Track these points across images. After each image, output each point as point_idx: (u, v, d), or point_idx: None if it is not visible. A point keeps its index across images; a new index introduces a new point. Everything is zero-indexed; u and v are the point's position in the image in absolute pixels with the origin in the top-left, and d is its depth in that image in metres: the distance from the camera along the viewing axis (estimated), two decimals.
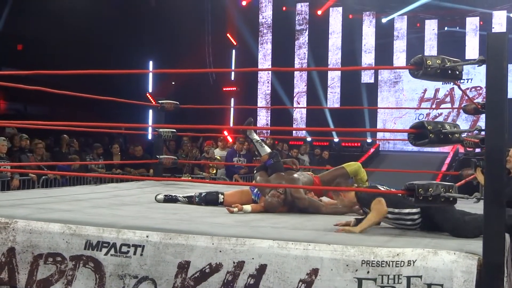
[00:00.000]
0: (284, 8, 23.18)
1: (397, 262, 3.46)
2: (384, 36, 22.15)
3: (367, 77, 22.48)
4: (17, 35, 16.73)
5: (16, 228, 4.21)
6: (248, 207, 5.42)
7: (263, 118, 22.84)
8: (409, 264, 3.43)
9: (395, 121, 21.98)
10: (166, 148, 11.87)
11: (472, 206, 4.62)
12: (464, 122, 19.67)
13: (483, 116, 3.82)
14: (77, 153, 11.43)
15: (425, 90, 21.76)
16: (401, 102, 22.02)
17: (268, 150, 6.28)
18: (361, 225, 4.33)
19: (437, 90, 21.64)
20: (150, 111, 18.55)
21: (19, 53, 17.21)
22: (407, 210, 4.38)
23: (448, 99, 21.59)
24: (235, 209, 5.32)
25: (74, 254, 4.03)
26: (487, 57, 3.56)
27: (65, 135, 11.47)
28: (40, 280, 4.05)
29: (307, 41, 22.85)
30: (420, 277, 3.39)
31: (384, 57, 21.83)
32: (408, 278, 3.41)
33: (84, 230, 4.09)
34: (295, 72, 23.12)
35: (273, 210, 5.47)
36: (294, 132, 22.24)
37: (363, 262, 3.50)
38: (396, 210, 4.39)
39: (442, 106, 21.43)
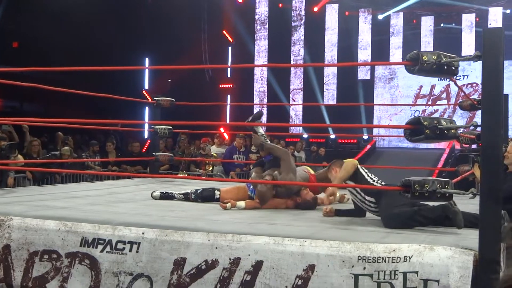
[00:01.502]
0: (280, 5, 23.15)
1: (393, 258, 3.45)
2: (380, 33, 22.15)
3: (363, 74, 22.47)
4: (12, 32, 16.68)
5: (12, 225, 4.20)
6: (241, 203, 5.41)
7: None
8: (405, 260, 3.43)
9: (390, 117, 21.98)
10: (164, 145, 11.87)
11: (469, 201, 4.64)
12: (460, 119, 19.68)
13: (479, 113, 3.83)
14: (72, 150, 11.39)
15: (421, 86, 21.76)
16: (396, 99, 22.00)
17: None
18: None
19: (433, 87, 21.64)
20: (147, 108, 18.53)
21: (15, 51, 17.16)
22: (365, 196, 4.75)
23: (444, 95, 21.59)
24: (228, 205, 5.30)
25: (69, 251, 4.02)
26: (483, 53, 3.56)
27: (59, 133, 11.43)
28: (35, 278, 4.04)
29: (303, 38, 22.83)
30: (416, 272, 3.39)
31: (380, 53, 21.82)
32: (405, 274, 3.40)
33: (79, 227, 4.08)
34: (291, 69, 23.10)
35: (265, 199, 5.46)
36: (290, 128, 22.23)
37: (359, 258, 3.50)
38: (361, 193, 4.80)
39: (438, 102, 21.42)
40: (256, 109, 22.11)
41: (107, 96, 7.41)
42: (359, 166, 4.98)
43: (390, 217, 4.43)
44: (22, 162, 8.53)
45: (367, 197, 4.76)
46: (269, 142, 6.21)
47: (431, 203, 4.36)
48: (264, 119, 22.52)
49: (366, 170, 5.00)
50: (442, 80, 20.07)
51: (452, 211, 4.14)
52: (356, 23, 22.53)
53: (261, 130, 6.26)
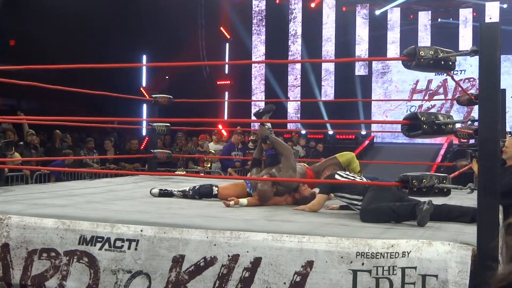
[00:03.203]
0: (277, 1, 23.14)
1: (392, 254, 3.46)
2: (378, 28, 22.12)
3: (360, 69, 22.45)
4: (9, 30, 16.64)
5: (10, 223, 4.20)
6: (244, 201, 5.42)
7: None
8: (403, 255, 3.43)
9: (386, 114, 21.93)
10: (162, 142, 11.87)
11: (467, 196, 4.65)
12: (456, 114, 19.67)
13: (476, 108, 3.83)
14: (70, 148, 11.39)
15: (417, 81, 21.70)
16: (390, 94, 21.94)
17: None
18: (307, 207, 5.12)
19: (429, 82, 21.59)
20: (144, 106, 18.53)
21: (12, 49, 17.13)
22: (351, 196, 4.85)
23: (441, 90, 21.56)
24: (231, 202, 5.31)
25: (68, 249, 4.02)
26: (479, 48, 3.55)
27: (57, 130, 11.42)
28: (34, 276, 4.04)
29: (300, 34, 22.81)
30: (415, 268, 3.39)
31: (377, 49, 21.80)
32: (403, 269, 3.41)
33: (78, 225, 4.08)
34: (289, 65, 23.08)
35: (266, 198, 5.47)
36: (288, 125, 22.21)
37: (358, 254, 3.50)
38: (341, 194, 4.95)
39: (435, 97, 21.38)
40: (254, 106, 22.14)
41: (105, 94, 7.40)
42: (336, 175, 5.08)
43: (366, 210, 4.51)
44: (20, 160, 8.52)
45: (353, 197, 4.84)
46: (274, 136, 6.19)
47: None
48: None
49: (345, 174, 5.11)
50: (438, 74, 20.04)
51: (419, 209, 4.19)
52: (353, 18, 22.51)
53: (268, 124, 6.22)
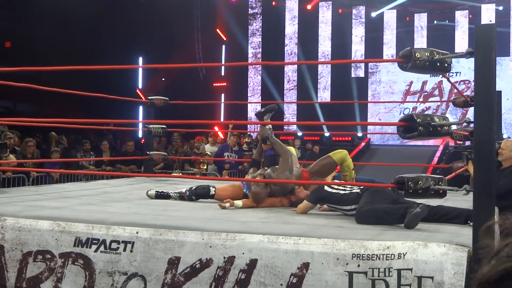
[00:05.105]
0: (273, 3, 23.15)
1: (388, 255, 3.46)
2: (374, 30, 22.15)
3: (357, 71, 22.46)
4: (5, 32, 16.62)
5: (5, 226, 4.18)
6: (239, 203, 5.41)
7: (253, 113, 22.81)
8: (399, 257, 3.43)
9: (379, 117, 21.89)
10: (157, 144, 11.87)
11: (463, 198, 4.65)
12: (451, 116, 19.68)
13: (471, 110, 3.84)
14: (66, 150, 11.37)
15: (411, 83, 21.67)
16: (379, 96, 21.89)
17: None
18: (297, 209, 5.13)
19: (424, 83, 21.56)
20: (141, 108, 18.50)
21: (8, 51, 17.10)
22: (342, 207, 4.85)
23: (436, 92, 21.56)
24: (227, 205, 5.30)
25: (63, 251, 4.01)
26: (475, 49, 3.56)
27: (53, 133, 11.40)
28: (29, 278, 4.03)
29: (296, 35, 22.83)
30: (411, 269, 3.39)
31: (373, 51, 21.81)
32: (399, 271, 3.41)
33: (73, 227, 4.07)
34: (285, 67, 23.07)
35: (260, 199, 5.45)
36: (285, 126, 22.21)
37: (354, 255, 3.50)
38: (337, 207, 4.93)
39: (430, 99, 21.37)
40: (250, 107, 22.14)
41: (101, 96, 7.39)
42: (326, 186, 5.04)
43: (360, 212, 4.51)
44: (15, 162, 8.49)
45: (347, 207, 4.82)
46: (274, 137, 6.17)
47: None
48: None
49: (336, 186, 5.02)
50: (433, 76, 20.04)
51: (409, 211, 4.16)
52: (349, 20, 22.53)
53: (269, 125, 6.21)
